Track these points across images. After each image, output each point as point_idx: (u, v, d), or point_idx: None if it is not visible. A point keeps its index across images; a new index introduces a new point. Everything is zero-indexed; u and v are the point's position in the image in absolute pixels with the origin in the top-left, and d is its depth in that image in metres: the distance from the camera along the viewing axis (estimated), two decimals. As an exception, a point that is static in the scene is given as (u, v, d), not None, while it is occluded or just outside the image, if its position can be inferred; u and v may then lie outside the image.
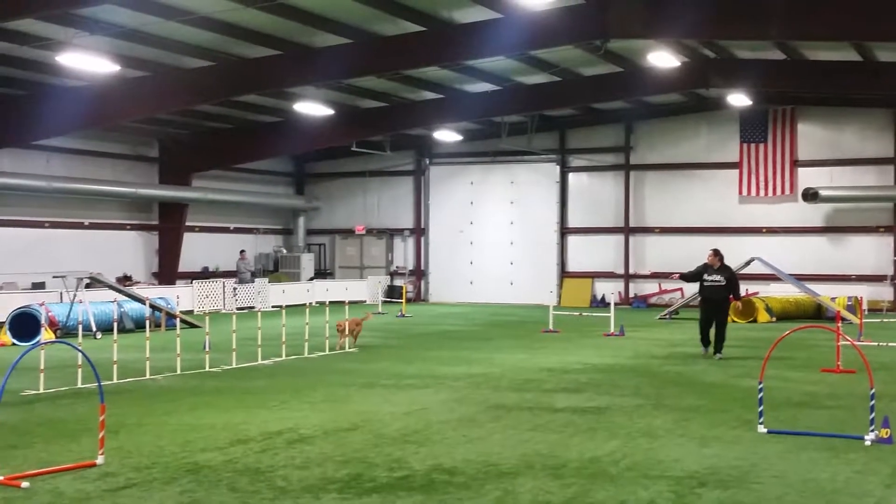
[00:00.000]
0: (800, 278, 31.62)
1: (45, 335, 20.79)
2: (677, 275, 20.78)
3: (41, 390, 14.35)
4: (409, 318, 31.39)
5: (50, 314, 23.12)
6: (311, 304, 34.89)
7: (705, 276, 19.27)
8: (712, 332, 19.30)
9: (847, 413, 12.32)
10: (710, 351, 19.25)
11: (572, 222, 39.96)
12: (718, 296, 19.13)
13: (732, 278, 19.42)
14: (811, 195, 35.01)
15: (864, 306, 29.87)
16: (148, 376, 15.97)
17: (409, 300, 37.18)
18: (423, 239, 42.37)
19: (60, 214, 32.94)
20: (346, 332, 20.60)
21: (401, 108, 34.21)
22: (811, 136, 36.11)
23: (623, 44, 26.86)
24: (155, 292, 29.54)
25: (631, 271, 38.80)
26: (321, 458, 9.79)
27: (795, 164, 36.15)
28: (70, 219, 33.34)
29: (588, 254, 39.58)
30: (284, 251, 42.39)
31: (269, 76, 26.42)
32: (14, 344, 22.14)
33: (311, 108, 31.28)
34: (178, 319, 24.09)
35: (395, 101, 33.69)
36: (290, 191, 43.93)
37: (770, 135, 36.39)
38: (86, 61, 23.15)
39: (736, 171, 36.95)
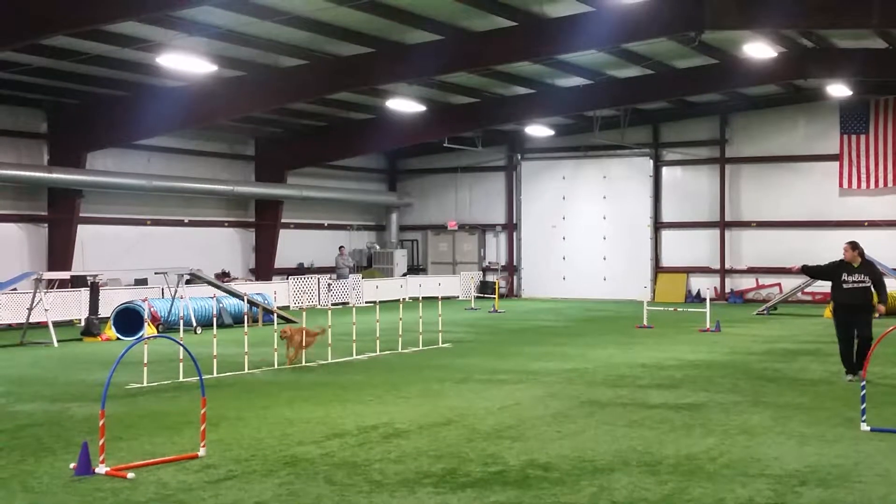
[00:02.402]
0: (903, 273, 30.73)
1: (148, 330, 21.38)
2: (797, 267, 17.06)
3: (145, 384, 14.74)
4: (502, 313, 31.40)
5: (152, 310, 23.72)
6: (404, 299, 35.17)
7: (844, 277, 15.28)
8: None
9: (954, 411, 11.96)
10: (856, 376, 14.52)
11: (666, 217, 39.49)
12: (861, 300, 15.12)
13: (878, 278, 15.38)
14: (915, 187, 33.98)
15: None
16: (246, 370, 16.28)
17: (501, 296, 37.18)
18: (514, 234, 42.32)
19: (161, 212, 33.75)
20: (296, 344, 17.29)
21: (492, 103, 34.22)
22: (915, 126, 35.05)
23: (718, 35, 26.42)
24: (252, 288, 30.08)
25: (727, 266, 38.17)
26: (416, 452, 9.87)
27: (899, 155, 35.16)
28: (170, 216, 34.12)
29: (682, 248, 39.06)
30: (378, 247, 42.75)
31: (362, 73, 26.65)
32: (118, 338, 22.77)
33: (403, 104, 31.48)
34: (275, 315, 24.54)
35: (486, 97, 33.71)
36: (382, 187, 44.27)
37: (872, 125, 35.44)
38: (184, 62, 23.67)
39: (836, 164, 36.07)
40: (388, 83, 28.78)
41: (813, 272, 16.65)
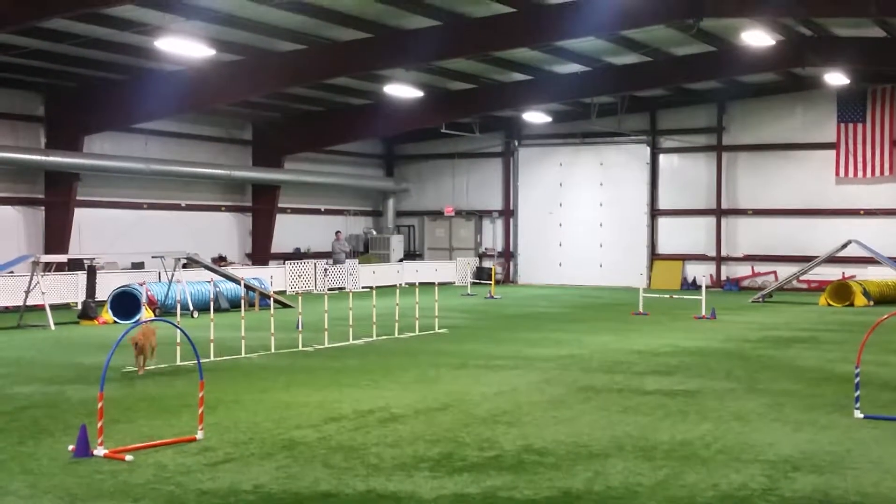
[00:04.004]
0: (899, 261, 30.81)
1: (145, 314, 21.42)
2: None
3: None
4: (498, 299, 31.46)
5: (149, 293, 23.76)
6: (400, 285, 35.21)
7: None
8: None
9: (947, 399, 12.04)
10: None
11: (663, 204, 39.54)
12: None
13: None
14: (911, 176, 34.04)
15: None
16: (243, 354, 16.34)
17: (497, 282, 37.23)
18: (511, 221, 42.35)
19: (158, 196, 33.74)
20: (145, 351, 14.42)
21: (490, 89, 34.20)
22: (912, 115, 35.09)
23: (716, 22, 26.42)
24: (249, 273, 30.13)
25: (723, 254, 38.25)
26: (413, 436, 9.93)
27: (895, 144, 35.20)
28: (167, 200, 34.12)
29: (679, 236, 39.13)
30: (374, 233, 42.77)
31: (360, 59, 26.63)
32: (115, 322, 22.81)
33: (401, 90, 31.45)
34: (271, 299, 24.58)
35: (484, 83, 33.68)
36: (379, 173, 44.25)
37: (869, 114, 35.46)
38: (182, 46, 23.63)
39: (832, 152, 36.11)
40: (386, 69, 28.75)
41: None
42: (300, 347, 17.37)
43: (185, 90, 28.12)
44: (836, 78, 32.09)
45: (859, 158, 35.66)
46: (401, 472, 8.49)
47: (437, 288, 22.80)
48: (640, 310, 25.53)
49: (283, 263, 35.18)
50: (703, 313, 24.24)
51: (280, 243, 37.92)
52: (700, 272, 36.54)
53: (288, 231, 38.50)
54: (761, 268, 36.95)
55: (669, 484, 8.09)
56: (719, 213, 38.18)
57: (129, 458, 8.88)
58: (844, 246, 29.80)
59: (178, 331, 11.16)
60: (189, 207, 35.04)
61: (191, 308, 23.99)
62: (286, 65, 27.25)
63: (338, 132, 37.34)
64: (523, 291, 36.17)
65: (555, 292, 35.53)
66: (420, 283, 24.65)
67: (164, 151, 33.46)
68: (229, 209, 36.86)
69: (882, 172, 35.33)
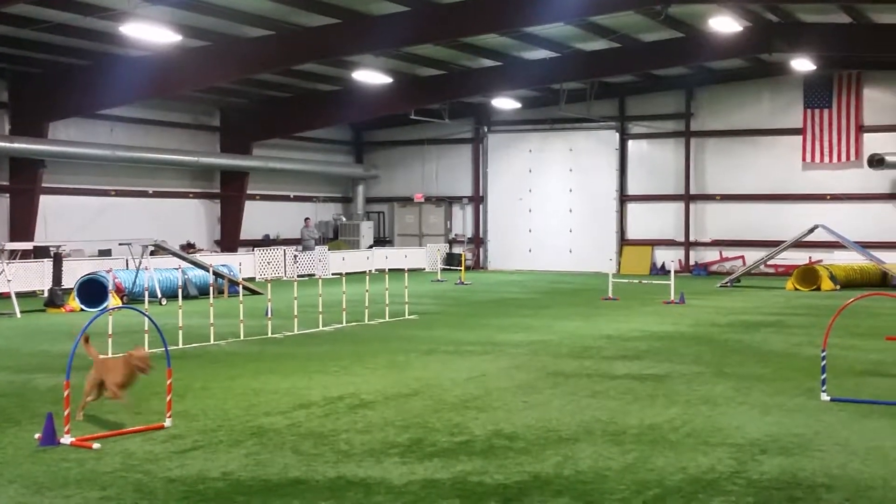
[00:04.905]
0: (864, 246, 31.10)
1: (113, 301, 21.25)
2: None
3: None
4: (468, 285, 31.48)
5: (116, 281, 23.57)
6: (370, 271, 35.15)
7: None
8: None
9: (912, 382, 12.17)
10: None
11: (632, 189, 39.69)
12: None
13: None
14: (877, 161, 34.37)
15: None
16: (212, 342, 16.25)
17: (467, 268, 37.27)
18: (481, 207, 42.37)
19: (125, 183, 33.48)
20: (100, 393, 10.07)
21: (459, 75, 34.17)
22: (877, 101, 35.40)
23: (684, 9, 26.51)
24: (217, 259, 29.96)
25: (691, 239, 38.48)
26: (382, 422, 9.92)
27: (861, 129, 35.49)
28: (134, 187, 33.87)
29: (648, 221, 39.32)
30: (344, 219, 42.67)
31: (328, 45, 26.51)
32: (82, 310, 22.62)
33: (370, 76, 31.34)
34: (240, 286, 24.47)
35: (453, 69, 33.64)
36: (349, 159, 44.13)
37: (835, 100, 35.74)
38: (148, 31, 23.41)
39: (799, 138, 36.38)
40: (354, 54, 28.64)
41: None
42: (270, 334, 17.30)
43: (151, 76, 27.88)
44: (802, 64, 32.32)
45: (825, 144, 35.95)
46: (371, 458, 8.48)
47: (406, 274, 22.78)
48: (610, 295, 25.63)
49: (253, 250, 35.03)
50: (672, 298, 24.36)
51: (249, 230, 37.75)
52: (669, 257, 36.75)
53: (257, 218, 38.34)
54: (729, 253, 37.22)
55: (638, 467, 8.12)
56: (688, 198, 38.39)
57: (96, 446, 8.80)
58: (811, 231, 30.07)
59: (146, 318, 11.07)
60: (157, 194, 34.80)
61: (159, 295, 23.84)
62: (254, 51, 27.09)
63: (306, 118, 37.20)
64: (493, 277, 36.22)
65: (525, 278, 35.60)
66: (390, 270, 24.63)
67: (130, 138, 33.19)
68: (197, 196, 36.63)
69: (848, 158, 35.64)
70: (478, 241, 42.52)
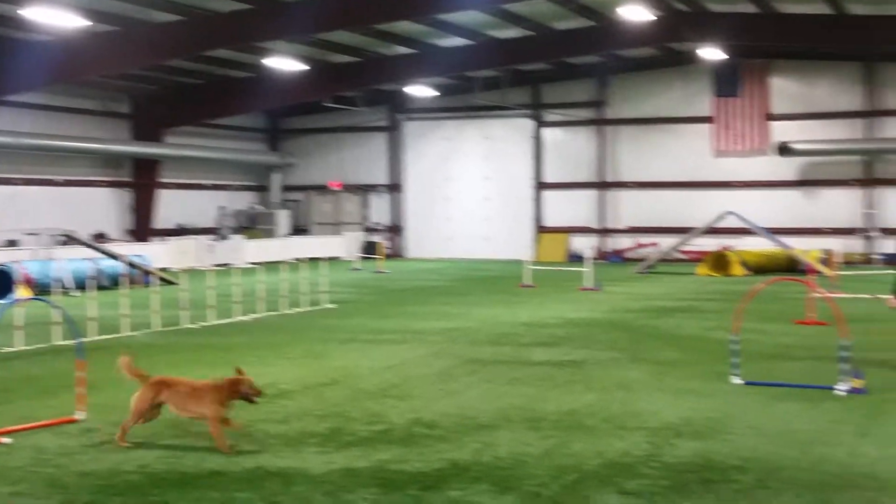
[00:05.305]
0: (773, 232, 31.83)
1: (22, 292, 20.72)
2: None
3: (19, 347, 14.31)
4: (386, 273, 31.43)
5: (25, 272, 22.99)
6: (287, 260, 34.84)
7: None
8: None
9: (820, 364, 12.48)
10: None
11: (548, 177, 39.99)
12: None
13: None
14: (784, 149, 35.19)
15: (837, 259, 30.22)
16: (126, 333, 15.95)
17: (385, 256, 37.19)
18: (398, 195, 42.32)
19: (32, 171, 32.63)
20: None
21: (374, 63, 34.02)
22: (784, 90, 36.21)
23: (596, -3, 26.77)
24: (130, 249, 29.39)
25: (607, 226, 38.95)
26: (301, 412, 9.85)
27: (768, 118, 36.28)
28: (42, 175, 33.04)
29: (564, 209, 39.67)
30: (260, 208, 42.24)
31: (240, 30, 26.17)
32: (-12, 302, 22.00)
33: (284, 63, 31.03)
34: (154, 276, 24.04)
35: (367, 57, 33.48)
36: (264, 147, 43.67)
37: (743, 89, 36.44)
38: (52, 15, 22.79)
39: (710, 126, 37.06)
40: (266, 41, 28.35)
41: None
42: (185, 325, 17.05)
43: (56, 61, 27.10)
44: (711, 53, 32.85)
45: (735, 132, 36.67)
46: (289, 448, 8.42)
47: (324, 263, 22.64)
48: (527, 282, 25.81)
49: (166, 240, 34.46)
50: (589, 285, 24.63)
51: (163, 219, 37.13)
52: (585, 244, 37.13)
53: (170, 207, 37.73)
54: (644, 239, 37.73)
55: (556, 453, 8.20)
56: (603, 185, 38.83)
57: (7, 440, 8.59)
58: (722, 217, 30.66)
59: (57, 310, 10.82)
60: (66, 183, 34.02)
61: (69, 286, 23.30)
62: (164, 36, 26.60)
63: (220, 106, 36.71)
64: (412, 265, 36.22)
65: (443, 266, 35.68)
66: (307, 259, 24.39)
67: (35, 125, 32.36)
68: (108, 184, 35.91)
69: (756, 146, 36.40)
70: (395, 229, 42.46)
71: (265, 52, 30.49)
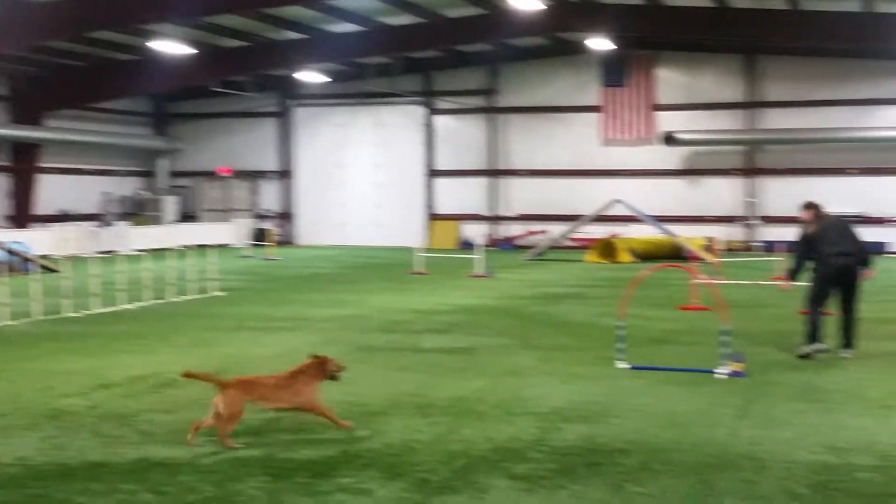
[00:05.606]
0: (659, 219, 32.54)
1: None
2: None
3: None
4: (278, 261, 31.13)
5: None
6: (175, 247, 34.21)
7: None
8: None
9: (702, 349, 12.81)
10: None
11: (440, 165, 40.11)
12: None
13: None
14: (670, 138, 35.97)
15: (719, 246, 31.08)
16: (4, 322, 15.46)
17: (277, 243, 36.84)
18: (289, 182, 41.93)
19: None
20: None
21: (263, 48, 33.58)
22: (670, 80, 37.00)
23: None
24: (8, 236, 28.46)
25: (498, 213, 39.27)
26: (188, 402, 9.69)
27: (655, 108, 37.03)
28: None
29: (455, 196, 39.85)
30: (146, 193, 41.35)
31: (123, 12, 25.53)
32: None
33: (170, 46, 30.37)
34: (34, 264, 23.36)
35: (257, 41, 33.04)
36: (150, 132, 42.74)
37: (630, 79, 37.12)
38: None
39: (598, 115, 37.66)
40: (149, 23, 27.74)
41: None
42: (68, 314, 16.60)
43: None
44: (599, 43, 33.30)
45: (622, 122, 37.34)
46: (175, 437, 8.28)
47: (213, 250, 22.30)
48: (419, 269, 25.86)
49: (48, 226, 33.47)
50: (480, 272, 24.80)
51: (44, 205, 36.05)
52: (477, 231, 37.40)
53: (53, 192, 36.65)
54: (534, 227, 38.14)
55: (446, 438, 8.25)
56: (494, 173, 39.12)
57: None
58: (609, 205, 31.21)
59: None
60: (-61, 168, 32.77)
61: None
62: (44, 17, 25.72)
63: (103, 89, 35.78)
64: (303, 253, 35.95)
65: (335, 253, 35.51)
66: (196, 246, 24.06)
67: None
68: (-15, 169, 34.71)
69: (643, 135, 37.14)
70: (287, 216, 42.07)
71: (151, 35, 29.80)
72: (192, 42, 31.02)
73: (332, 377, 8.63)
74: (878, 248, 31.52)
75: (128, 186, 41.28)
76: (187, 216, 42.02)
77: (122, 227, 35.19)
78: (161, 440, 8.21)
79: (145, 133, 42.41)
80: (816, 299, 12.30)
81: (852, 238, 12.34)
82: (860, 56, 33.83)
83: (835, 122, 34.69)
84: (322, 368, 8.56)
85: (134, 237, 34.84)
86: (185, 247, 24.09)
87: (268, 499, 6.76)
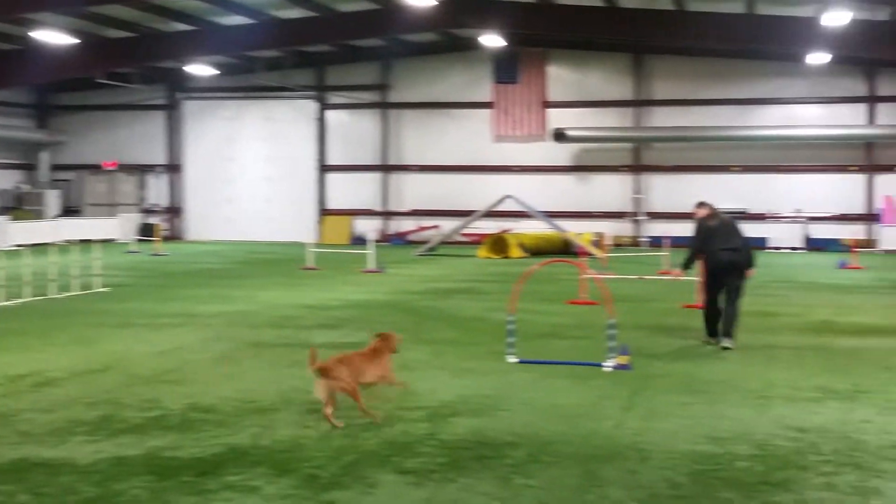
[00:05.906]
0: (549, 215, 32.95)
1: None
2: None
3: None
4: (165, 256, 30.54)
5: None
6: (57, 242, 33.29)
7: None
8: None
9: (590, 342, 13.01)
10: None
11: (332, 160, 39.91)
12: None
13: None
14: (560, 135, 36.45)
15: (608, 241, 31.63)
16: None
17: (164, 238, 36.15)
18: (177, 176, 41.19)
19: None
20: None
21: (150, 39, 32.86)
22: (560, 78, 37.50)
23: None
24: None
25: (390, 209, 39.24)
26: (69, 400, 9.43)
27: (545, 105, 37.48)
28: None
29: (348, 191, 39.71)
30: (27, 187, 40.12)
31: (2, 1, 24.70)
32: None
33: (52, 36, 29.50)
34: None
35: (143, 32, 32.32)
36: (31, 123, 41.48)
37: (522, 76, 37.49)
38: None
39: (490, 111, 37.93)
40: (30, 12, 26.86)
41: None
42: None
43: None
44: (491, 40, 33.55)
45: (514, 118, 37.69)
46: (55, 437, 8.05)
47: (98, 245, 21.75)
48: (310, 265, 25.68)
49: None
50: (371, 267, 24.75)
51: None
52: (369, 227, 37.32)
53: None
54: (426, 222, 38.24)
55: (334, 434, 8.20)
56: (386, 168, 39.08)
57: None
58: (501, 201, 31.47)
59: None
60: None
61: None
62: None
63: (-19, 79, 34.58)
64: (192, 248, 35.35)
65: (225, 248, 35.01)
66: (80, 241, 23.44)
67: None
68: None
69: (534, 131, 37.55)
70: (174, 210, 41.32)
71: (32, 24, 28.90)
72: (76, 32, 30.20)
73: (395, 350, 9.27)
74: (760, 244, 32.52)
75: (8, 180, 40.01)
76: (71, 210, 40.93)
77: (2, 221, 34.08)
78: (41, 440, 7.97)
79: (27, 125, 41.14)
80: (709, 291, 13.21)
81: (739, 236, 13.16)
82: (743, 56, 34.84)
83: (719, 121, 35.65)
84: (393, 344, 9.23)
85: (14, 232, 33.80)
86: (69, 242, 23.45)
87: (152, 498, 6.61)
